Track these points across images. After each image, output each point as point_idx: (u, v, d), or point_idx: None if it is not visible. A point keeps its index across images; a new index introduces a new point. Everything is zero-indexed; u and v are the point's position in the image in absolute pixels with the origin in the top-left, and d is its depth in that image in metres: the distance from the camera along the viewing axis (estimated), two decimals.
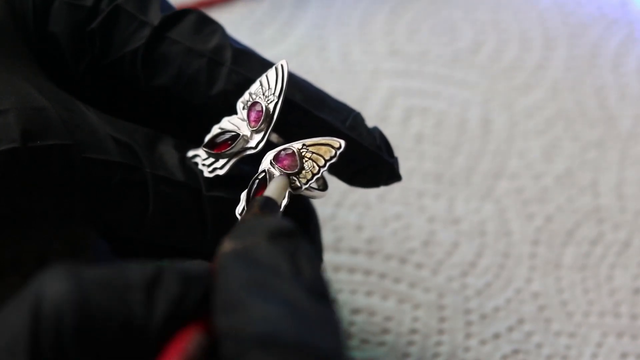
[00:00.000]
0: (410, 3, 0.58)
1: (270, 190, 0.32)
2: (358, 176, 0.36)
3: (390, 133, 0.52)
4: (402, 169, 0.49)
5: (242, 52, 0.35)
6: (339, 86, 0.54)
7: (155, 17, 0.35)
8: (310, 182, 0.33)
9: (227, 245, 0.26)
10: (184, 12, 0.36)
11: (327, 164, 0.32)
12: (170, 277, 0.25)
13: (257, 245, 0.26)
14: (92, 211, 0.34)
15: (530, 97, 0.54)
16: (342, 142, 0.32)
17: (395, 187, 0.49)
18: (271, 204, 0.31)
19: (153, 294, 0.24)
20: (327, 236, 0.46)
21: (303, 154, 0.33)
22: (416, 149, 0.51)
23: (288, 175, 0.33)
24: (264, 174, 0.33)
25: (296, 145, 0.33)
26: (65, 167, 0.32)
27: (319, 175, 0.33)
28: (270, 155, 0.33)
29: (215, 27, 0.36)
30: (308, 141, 0.33)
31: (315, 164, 0.33)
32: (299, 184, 0.33)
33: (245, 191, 0.33)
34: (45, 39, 0.36)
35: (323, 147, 0.33)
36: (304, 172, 0.33)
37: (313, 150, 0.33)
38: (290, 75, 0.35)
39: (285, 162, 0.33)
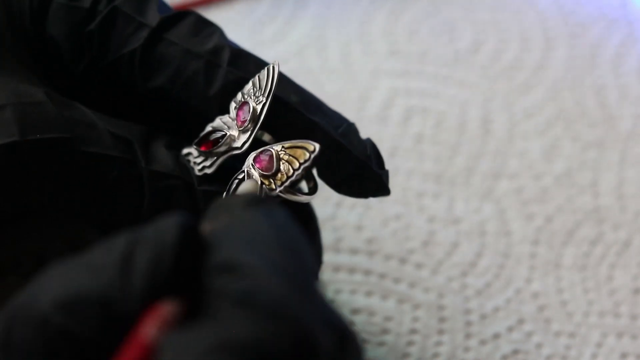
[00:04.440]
0: (410, 3, 0.58)
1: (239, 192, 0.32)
2: (345, 184, 0.36)
3: (390, 133, 0.53)
4: (402, 169, 0.50)
5: (240, 54, 0.35)
6: (339, 86, 0.54)
7: (153, 18, 0.35)
8: (284, 184, 0.33)
9: (207, 226, 0.27)
10: (182, 14, 0.36)
11: (302, 167, 0.32)
12: (143, 249, 0.25)
13: (236, 218, 0.26)
14: (88, 205, 0.34)
15: (530, 97, 0.54)
16: (317, 146, 0.32)
17: (395, 187, 0.49)
18: None
19: (128, 270, 0.25)
20: (327, 236, 0.46)
21: (281, 156, 0.33)
22: (416, 149, 0.51)
23: (266, 177, 0.33)
24: (243, 174, 0.33)
25: (275, 148, 0.33)
26: (63, 160, 0.32)
27: (293, 178, 0.32)
28: (252, 155, 0.34)
29: (213, 29, 0.36)
30: (287, 143, 0.33)
31: (290, 167, 0.32)
32: (274, 186, 0.33)
33: (225, 192, 0.34)
34: (42, 40, 0.36)
35: (298, 150, 0.32)
36: (279, 174, 0.33)
37: (290, 153, 0.33)
38: (288, 79, 0.35)
39: (263, 164, 0.33)
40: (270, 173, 0.33)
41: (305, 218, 0.38)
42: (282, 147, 0.33)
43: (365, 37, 0.56)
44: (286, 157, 0.33)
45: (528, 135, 0.52)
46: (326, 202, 0.48)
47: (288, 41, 0.56)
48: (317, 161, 0.32)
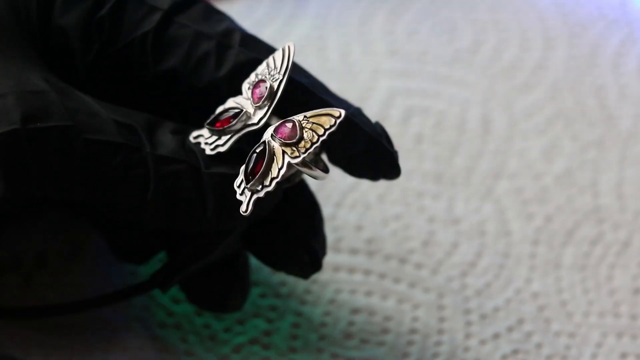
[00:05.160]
0: (410, 3, 0.58)
1: None
2: (356, 162, 0.36)
3: (390, 133, 0.52)
4: (402, 169, 0.49)
5: (250, 37, 0.36)
6: (339, 86, 0.53)
7: (164, 1, 0.36)
8: (309, 150, 0.32)
9: None
10: (192, 0, 0.36)
11: (327, 133, 0.32)
12: None
13: None
14: (92, 194, 0.34)
15: (530, 97, 0.54)
16: (343, 112, 0.32)
17: (395, 187, 0.49)
18: None
19: None
20: (327, 236, 0.46)
21: (303, 125, 0.32)
22: (416, 149, 0.51)
23: (288, 145, 0.32)
24: (262, 146, 0.33)
25: (297, 117, 0.33)
26: (65, 148, 0.32)
27: (318, 144, 0.32)
28: (271, 128, 0.33)
29: (223, 16, 0.37)
30: (309, 113, 0.33)
31: (314, 133, 0.32)
32: (298, 154, 0.32)
33: (244, 165, 0.33)
34: (50, 31, 0.36)
35: (323, 117, 0.32)
36: (303, 142, 0.32)
37: (313, 121, 0.32)
38: (297, 64, 0.36)
39: (285, 132, 0.33)
40: (293, 141, 0.32)
41: (310, 207, 0.38)
42: (305, 116, 0.33)
43: (365, 37, 0.56)
44: (309, 126, 0.32)
45: (528, 135, 0.52)
46: (326, 202, 0.48)
47: (288, 41, 0.56)
48: (342, 127, 0.32)
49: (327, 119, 0.32)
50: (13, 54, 0.35)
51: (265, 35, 0.56)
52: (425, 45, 0.56)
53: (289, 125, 0.33)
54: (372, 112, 0.52)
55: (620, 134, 0.53)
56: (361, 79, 0.54)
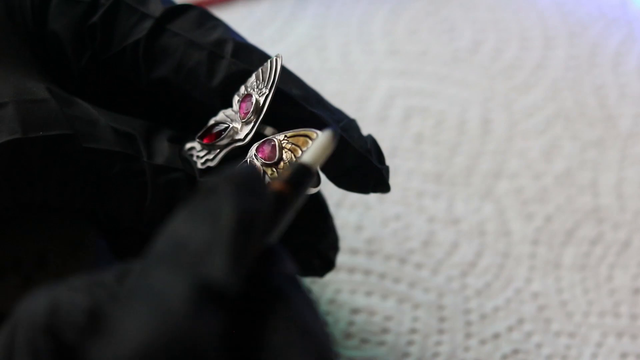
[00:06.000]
0: (410, 3, 0.58)
1: (308, 156, 0.30)
2: (345, 177, 0.36)
3: (390, 133, 0.53)
4: (402, 169, 0.49)
5: (243, 46, 0.36)
6: (339, 86, 0.53)
7: (156, 9, 0.36)
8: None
9: None
10: (186, 7, 0.36)
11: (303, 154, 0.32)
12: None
13: None
14: (92, 201, 0.34)
15: (530, 96, 0.54)
16: (319, 133, 0.32)
17: (395, 187, 0.49)
18: (303, 173, 0.29)
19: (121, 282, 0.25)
20: None
21: (283, 145, 0.33)
22: (416, 149, 0.51)
23: (269, 165, 0.33)
24: (245, 165, 0.33)
25: (278, 137, 0.33)
26: (66, 157, 0.32)
27: None
28: (255, 146, 0.34)
29: (217, 23, 0.36)
30: (289, 132, 0.33)
31: (293, 155, 0.32)
32: (277, 175, 0.33)
33: None
34: (45, 37, 0.36)
35: (301, 139, 0.32)
36: (282, 163, 0.33)
37: (292, 142, 0.33)
38: (290, 72, 0.35)
39: (265, 153, 0.33)
40: (273, 162, 0.33)
41: (317, 204, 0.38)
42: (285, 136, 0.33)
43: (365, 37, 0.56)
44: (289, 146, 0.33)
45: (528, 134, 0.52)
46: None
47: (288, 41, 0.56)
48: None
49: (304, 140, 0.32)
50: (12, 61, 0.35)
51: (265, 35, 0.56)
52: (425, 45, 0.56)
53: (270, 145, 0.33)
54: (372, 112, 0.52)
55: (620, 134, 0.53)
56: (361, 79, 0.54)
